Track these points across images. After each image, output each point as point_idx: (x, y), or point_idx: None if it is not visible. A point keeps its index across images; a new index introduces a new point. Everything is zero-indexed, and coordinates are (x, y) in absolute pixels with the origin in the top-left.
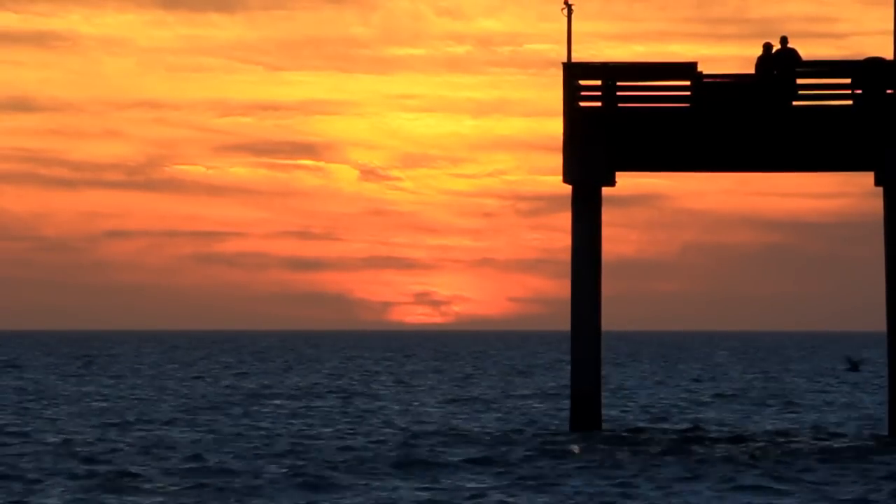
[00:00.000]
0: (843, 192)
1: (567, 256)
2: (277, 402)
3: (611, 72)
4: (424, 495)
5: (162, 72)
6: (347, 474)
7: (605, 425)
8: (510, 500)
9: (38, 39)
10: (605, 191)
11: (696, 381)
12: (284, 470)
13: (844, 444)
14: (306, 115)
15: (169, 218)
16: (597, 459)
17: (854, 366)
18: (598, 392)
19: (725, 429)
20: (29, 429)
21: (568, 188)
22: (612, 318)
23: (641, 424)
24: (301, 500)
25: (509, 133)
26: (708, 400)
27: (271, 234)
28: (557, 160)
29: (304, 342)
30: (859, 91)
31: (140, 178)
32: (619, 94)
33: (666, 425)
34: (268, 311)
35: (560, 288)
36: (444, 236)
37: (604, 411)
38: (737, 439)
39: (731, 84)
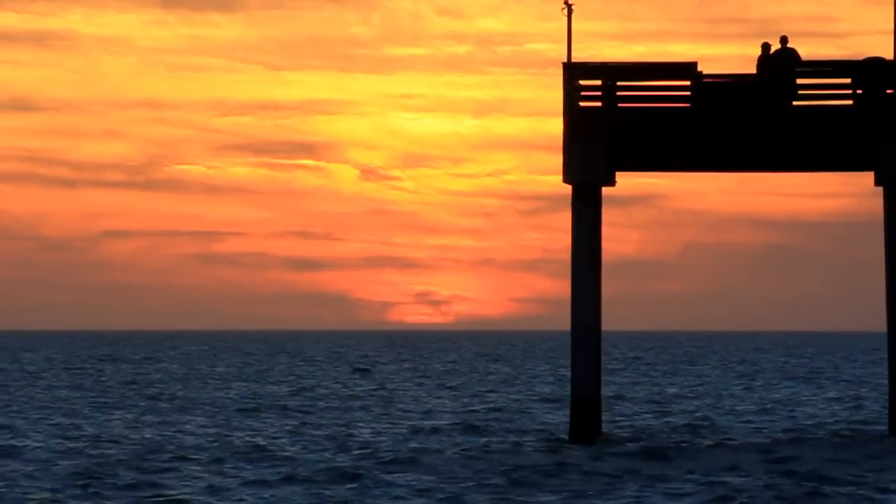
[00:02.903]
0: (843, 192)
1: (567, 256)
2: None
3: (611, 72)
4: None
5: (162, 72)
6: None
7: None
8: None
9: (38, 39)
10: (605, 191)
11: None
12: None
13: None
14: (306, 115)
15: (169, 218)
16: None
17: (363, 371)
18: (598, 393)
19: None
20: None
21: (568, 188)
22: (612, 318)
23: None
24: None
25: (509, 133)
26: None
27: (271, 234)
28: (557, 160)
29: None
30: (859, 91)
31: (140, 178)
32: (619, 94)
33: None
34: (268, 311)
35: (560, 288)
36: (445, 236)
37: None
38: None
39: (731, 84)
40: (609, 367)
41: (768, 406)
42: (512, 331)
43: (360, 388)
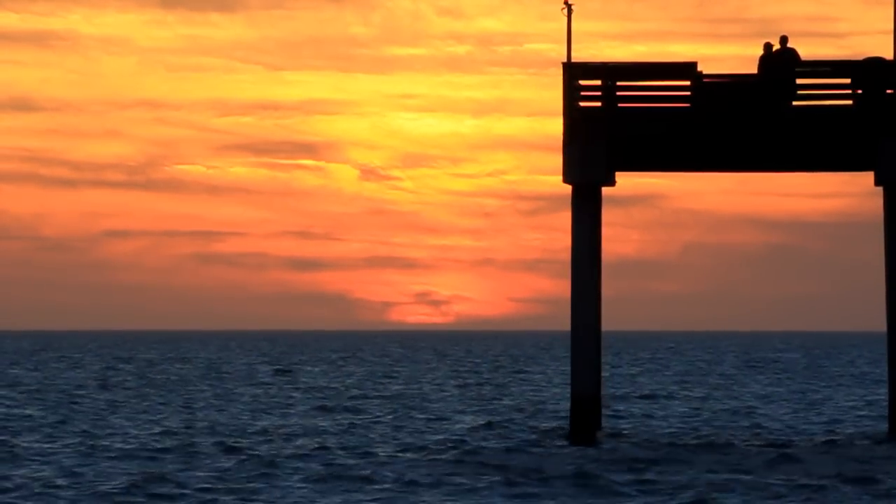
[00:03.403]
0: (843, 192)
1: (567, 256)
2: None
3: (611, 72)
4: None
5: (162, 72)
6: None
7: (604, 424)
8: None
9: (38, 39)
10: (605, 191)
11: None
12: None
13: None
14: (306, 115)
15: (169, 218)
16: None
17: (283, 372)
18: (598, 393)
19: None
20: None
21: (568, 188)
22: (612, 318)
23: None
24: None
25: (509, 133)
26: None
27: (271, 234)
28: (557, 160)
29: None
30: (859, 91)
31: (140, 178)
32: (619, 94)
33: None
34: (268, 311)
35: (560, 288)
36: (444, 236)
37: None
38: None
39: (731, 84)
40: (625, 366)
41: (805, 407)
42: (512, 331)
43: (394, 389)
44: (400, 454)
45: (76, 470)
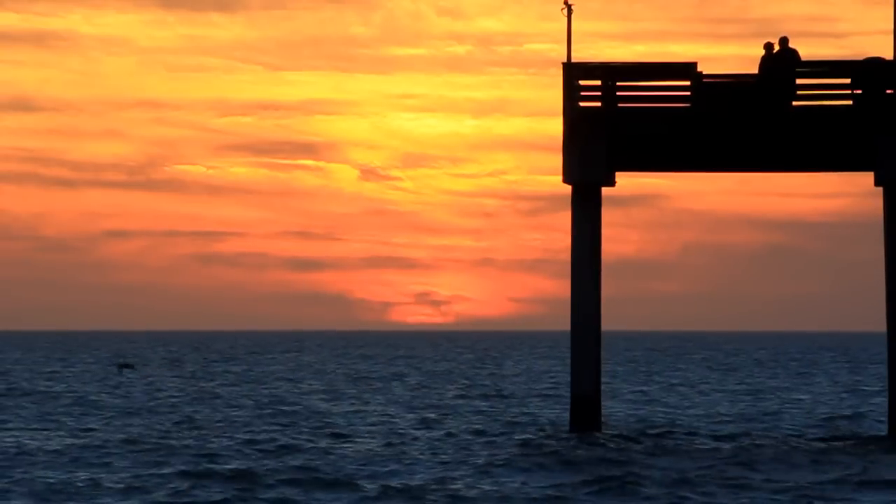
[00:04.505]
0: (843, 192)
1: (567, 256)
2: None
3: (611, 72)
4: None
5: (162, 72)
6: None
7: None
8: None
9: (38, 39)
10: (605, 191)
11: None
12: None
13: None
14: (306, 115)
15: (169, 218)
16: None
17: (124, 367)
18: (598, 392)
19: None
20: None
21: (568, 188)
22: (612, 318)
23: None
24: None
25: (509, 133)
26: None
27: (271, 234)
28: (557, 160)
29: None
30: (859, 91)
31: (140, 178)
32: (619, 94)
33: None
34: (268, 311)
35: (560, 288)
36: (444, 236)
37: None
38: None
39: (731, 84)
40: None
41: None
42: (512, 331)
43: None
44: None
45: None
